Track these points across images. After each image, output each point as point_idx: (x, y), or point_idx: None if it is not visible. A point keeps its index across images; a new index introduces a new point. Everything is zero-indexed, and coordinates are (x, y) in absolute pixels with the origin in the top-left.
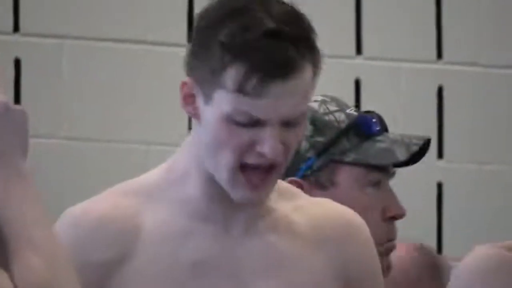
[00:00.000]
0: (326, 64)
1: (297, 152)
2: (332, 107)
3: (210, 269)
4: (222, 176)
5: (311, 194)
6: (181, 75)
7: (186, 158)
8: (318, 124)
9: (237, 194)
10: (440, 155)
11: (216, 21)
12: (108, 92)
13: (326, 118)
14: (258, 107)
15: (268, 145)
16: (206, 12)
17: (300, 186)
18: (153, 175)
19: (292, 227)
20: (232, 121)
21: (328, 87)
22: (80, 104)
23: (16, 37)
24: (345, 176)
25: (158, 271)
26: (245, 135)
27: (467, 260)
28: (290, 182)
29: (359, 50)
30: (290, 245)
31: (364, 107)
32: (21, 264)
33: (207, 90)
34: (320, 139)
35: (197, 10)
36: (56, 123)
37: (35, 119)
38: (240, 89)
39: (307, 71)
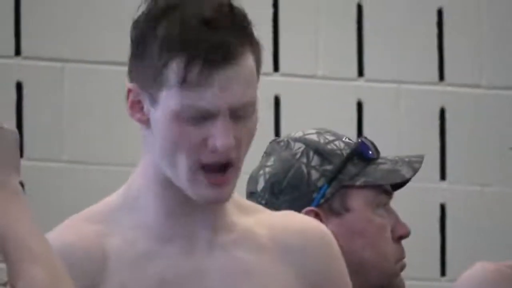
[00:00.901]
0: (328, 86)
1: (308, 183)
2: (330, 137)
3: None
4: (182, 179)
5: (328, 222)
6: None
7: (140, 176)
8: (323, 153)
9: (199, 194)
10: (443, 176)
11: (150, 20)
12: (110, 115)
13: (329, 147)
14: (203, 97)
15: (218, 138)
16: (140, 15)
17: (317, 215)
18: (112, 199)
19: (255, 240)
20: (181, 118)
21: (330, 109)
22: (82, 127)
23: (17, 60)
24: (357, 200)
25: None
26: (196, 133)
27: (466, 273)
28: (307, 213)
29: (360, 72)
30: (255, 258)
31: (367, 129)
32: (24, 276)
33: (152, 92)
34: (328, 167)
35: None
36: (58, 146)
37: (37, 143)
38: (183, 82)
39: (248, 58)
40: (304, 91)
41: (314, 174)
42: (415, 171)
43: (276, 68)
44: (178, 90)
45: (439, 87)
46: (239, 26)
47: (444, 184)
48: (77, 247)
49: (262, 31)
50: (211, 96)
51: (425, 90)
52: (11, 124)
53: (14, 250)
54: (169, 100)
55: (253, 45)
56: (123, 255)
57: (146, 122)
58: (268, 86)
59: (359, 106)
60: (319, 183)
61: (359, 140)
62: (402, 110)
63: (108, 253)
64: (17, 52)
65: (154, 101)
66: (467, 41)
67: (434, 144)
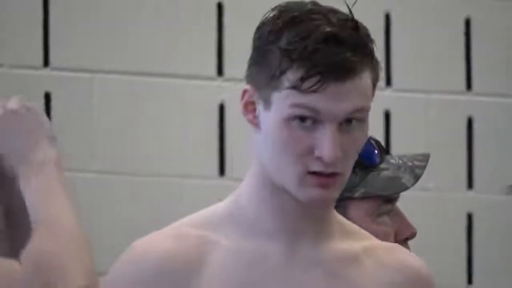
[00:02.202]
0: None
1: None
2: None
3: None
4: (289, 182)
5: None
6: (213, 109)
7: (249, 183)
8: None
9: (306, 194)
10: (470, 185)
11: (275, 29)
12: (139, 126)
13: None
14: (314, 99)
15: (326, 149)
16: (265, 21)
17: None
18: (221, 206)
19: (360, 266)
20: (291, 122)
21: None
22: (111, 138)
23: (46, 71)
24: (358, 211)
25: None
26: (305, 139)
27: None
28: None
29: (388, 82)
30: (355, 281)
31: (394, 139)
32: (32, 241)
33: (266, 95)
34: None
35: (227, 44)
36: (87, 157)
37: (66, 153)
38: (298, 87)
39: (365, 76)
40: None
41: None
42: (416, 179)
43: None
44: (291, 92)
45: (467, 97)
46: (361, 43)
47: (471, 193)
48: (173, 254)
49: None
50: (322, 99)
51: (453, 99)
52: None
53: (34, 217)
54: (281, 102)
55: (373, 62)
56: (226, 263)
57: (257, 124)
58: None
59: (387, 116)
60: None
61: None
62: (429, 119)
63: (209, 260)
64: (46, 63)
65: (267, 103)
66: (494, 51)
67: (462, 154)
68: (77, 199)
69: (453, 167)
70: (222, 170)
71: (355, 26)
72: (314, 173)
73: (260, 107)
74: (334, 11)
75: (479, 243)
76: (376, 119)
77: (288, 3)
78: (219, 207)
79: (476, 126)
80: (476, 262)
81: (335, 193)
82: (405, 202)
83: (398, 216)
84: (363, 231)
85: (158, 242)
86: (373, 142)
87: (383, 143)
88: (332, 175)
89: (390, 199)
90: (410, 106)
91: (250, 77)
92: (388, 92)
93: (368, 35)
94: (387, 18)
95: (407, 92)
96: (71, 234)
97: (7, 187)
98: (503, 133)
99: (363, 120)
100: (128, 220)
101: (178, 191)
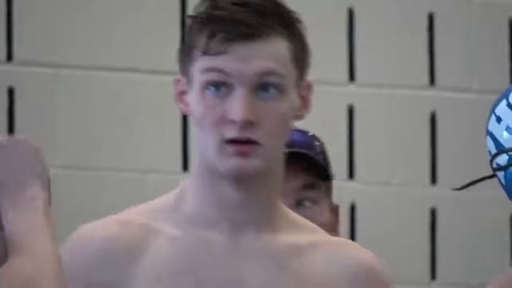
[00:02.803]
0: (319, 91)
1: None
2: None
3: (214, 285)
4: (211, 153)
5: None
6: (176, 104)
7: (192, 175)
8: None
9: (225, 164)
10: (433, 180)
11: (193, 15)
12: (103, 121)
13: None
14: (223, 61)
15: (236, 109)
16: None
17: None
18: (165, 198)
19: (305, 259)
20: (205, 88)
21: (321, 113)
22: (74, 133)
23: (9, 66)
24: None
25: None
26: (220, 106)
27: (497, 278)
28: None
29: (352, 77)
30: (299, 274)
31: (357, 134)
32: (10, 264)
33: (187, 73)
34: None
35: None
36: (50, 152)
37: None
38: (206, 51)
39: (277, 42)
40: None
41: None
42: None
43: None
44: (203, 58)
45: (430, 92)
46: (272, 10)
47: (434, 188)
48: (116, 237)
49: None
50: (230, 60)
51: (416, 94)
52: (3, 131)
53: (13, 244)
54: (196, 71)
55: (290, 34)
56: (166, 251)
57: (188, 110)
58: None
59: (350, 111)
60: None
61: None
62: (393, 114)
63: (149, 248)
64: (9, 57)
65: (189, 81)
66: (457, 46)
67: (425, 148)
68: None
69: (417, 162)
70: (185, 165)
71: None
72: (231, 142)
73: (188, 91)
74: None
75: (443, 239)
76: (339, 114)
77: None
78: (165, 198)
79: (439, 121)
80: (440, 257)
81: (257, 164)
82: (368, 197)
83: None
84: (311, 225)
85: (101, 227)
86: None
87: (346, 138)
88: (249, 143)
89: None
90: (374, 101)
91: (179, 68)
92: (351, 87)
93: (283, 5)
94: (350, 13)
95: (370, 87)
96: (48, 258)
97: None
98: (467, 128)
99: (282, 90)
100: (90, 214)
101: (141, 186)
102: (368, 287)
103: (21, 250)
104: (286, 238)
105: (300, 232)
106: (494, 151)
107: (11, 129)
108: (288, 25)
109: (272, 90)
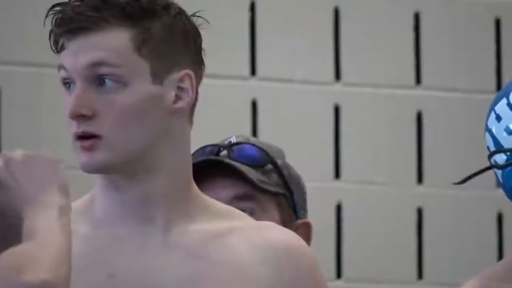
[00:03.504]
0: (305, 90)
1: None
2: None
3: (125, 280)
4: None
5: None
6: None
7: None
8: None
9: (78, 160)
10: (420, 180)
11: None
12: None
13: None
14: (62, 56)
15: (70, 103)
16: None
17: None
18: (82, 198)
19: (223, 245)
20: (64, 90)
21: (308, 112)
22: (61, 132)
23: None
24: None
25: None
26: (69, 103)
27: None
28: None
29: (338, 76)
30: (219, 260)
31: (344, 133)
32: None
33: None
34: None
35: None
36: (36, 151)
37: (15, 147)
38: (55, 48)
39: (111, 32)
40: (281, 95)
41: None
42: None
43: (253, 72)
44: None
45: (416, 91)
46: (109, 3)
47: (421, 188)
48: None
49: (239, 35)
50: (66, 56)
51: (402, 93)
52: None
53: (25, 233)
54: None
55: (131, 21)
56: (75, 249)
57: None
58: (245, 90)
59: (337, 110)
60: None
61: None
62: (379, 114)
63: None
64: None
65: None
66: (443, 45)
67: (411, 148)
68: None
69: (403, 162)
70: None
71: None
72: (78, 138)
73: None
74: None
75: (429, 238)
76: (326, 113)
77: None
78: (82, 199)
79: (425, 120)
80: (426, 257)
81: (101, 157)
82: (353, 196)
83: None
84: (235, 212)
85: None
86: None
87: (332, 137)
88: (89, 137)
89: None
90: (360, 100)
91: None
92: (337, 87)
93: (137, 0)
94: (336, 12)
95: (357, 87)
96: (57, 248)
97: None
98: (453, 128)
99: (121, 81)
100: None
101: None
102: (289, 267)
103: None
104: (202, 227)
105: (220, 220)
106: (492, 148)
107: None
108: (131, 15)
109: (108, 82)
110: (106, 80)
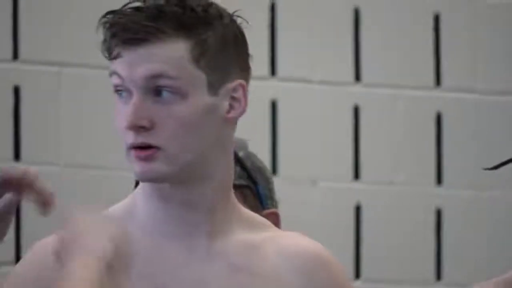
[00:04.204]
0: (325, 91)
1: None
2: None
3: None
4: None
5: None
6: None
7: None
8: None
9: (134, 169)
10: (439, 181)
11: None
12: (108, 119)
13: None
14: (117, 65)
15: (127, 114)
16: None
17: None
18: (120, 206)
19: (260, 256)
20: (113, 89)
21: (327, 113)
22: (79, 131)
23: (15, 64)
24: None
25: None
26: (123, 111)
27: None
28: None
29: (357, 77)
30: (257, 271)
31: (363, 134)
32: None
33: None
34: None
35: None
36: (55, 151)
37: (34, 147)
38: (108, 55)
39: (169, 43)
40: (301, 96)
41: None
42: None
43: (273, 72)
44: (110, 63)
45: (436, 92)
46: (168, 12)
47: (440, 189)
48: None
49: (259, 35)
50: (122, 66)
51: (422, 95)
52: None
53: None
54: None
55: (188, 32)
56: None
57: None
58: (265, 90)
59: (356, 111)
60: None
61: None
62: (398, 115)
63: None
64: (15, 56)
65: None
66: (463, 46)
67: (431, 149)
68: None
69: (422, 163)
70: None
71: (178, 2)
72: (133, 148)
73: None
74: None
75: (448, 239)
76: (345, 114)
77: None
78: (120, 206)
79: (445, 121)
80: (445, 258)
81: (159, 168)
82: (372, 196)
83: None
84: (265, 221)
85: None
86: None
87: (352, 138)
88: (147, 148)
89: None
90: (379, 101)
91: None
92: (357, 87)
93: (192, 7)
94: (356, 13)
95: (376, 87)
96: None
97: None
98: (472, 129)
99: (180, 93)
100: None
101: None
102: (317, 274)
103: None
104: (240, 237)
105: (254, 230)
106: None
107: (16, 127)
108: (187, 25)
109: (166, 94)
110: (164, 92)
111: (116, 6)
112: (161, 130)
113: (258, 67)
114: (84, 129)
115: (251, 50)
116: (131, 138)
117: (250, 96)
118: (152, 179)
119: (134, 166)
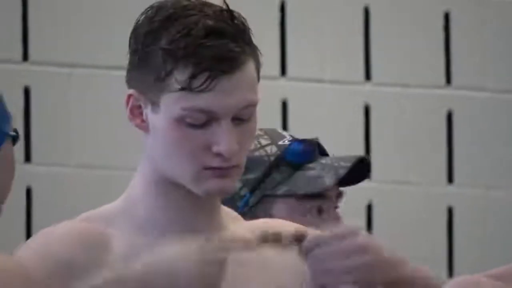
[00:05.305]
0: (335, 90)
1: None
2: (264, 141)
3: None
4: (186, 178)
5: None
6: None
7: (140, 181)
8: (247, 161)
9: (204, 187)
10: (450, 179)
11: (153, 29)
12: (117, 120)
13: (257, 153)
14: (206, 100)
15: (223, 142)
16: (140, 22)
17: None
18: (113, 204)
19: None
20: (183, 122)
21: (337, 112)
22: (89, 132)
23: (25, 65)
24: (280, 208)
25: None
26: (200, 137)
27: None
28: None
29: (368, 76)
30: (260, 262)
31: (374, 132)
32: None
33: (153, 97)
34: (251, 176)
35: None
36: (66, 151)
37: (44, 147)
38: (187, 87)
39: (249, 64)
40: (311, 95)
41: (238, 183)
42: (338, 178)
43: (283, 72)
44: (181, 94)
45: (446, 91)
46: (241, 33)
47: (451, 188)
48: (79, 230)
49: (269, 35)
50: (214, 99)
51: (432, 93)
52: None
53: None
54: (170, 104)
55: (253, 50)
56: (126, 257)
57: (145, 127)
58: (275, 90)
59: (366, 109)
60: (242, 192)
61: (288, 144)
62: (409, 113)
63: (111, 247)
64: (25, 57)
65: (155, 106)
66: (473, 45)
67: (442, 148)
68: (54, 194)
69: (433, 161)
70: None
71: (231, 16)
72: (211, 168)
73: (147, 110)
74: (208, 4)
75: (460, 238)
76: (356, 113)
77: (161, 1)
78: (113, 205)
79: (455, 120)
80: (457, 256)
81: (234, 183)
82: (383, 195)
83: (327, 215)
84: (234, 213)
85: (62, 226)
86: (307, 142)
87: (362, 137)
88: (231, 168)
89: (316, 196)
90: (390, 100)
91: (133, 82)
92: (367, 87)
93: (244, 23)
94: (366, 12)
95: (387, 86)
96: None
97: None
98: (483, 127)
99: (254, 113)
100: None
101: None
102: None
103: None
104: (236, 232)
105: (236, 223)
106: None
107: (27, 128)
108: (250, 42)
109: (248, 117)
110: (247, 115)
111: (126, 8)
112: (243, 150)
113: (268, 67)
114: (94, 130)
115: (261, 50)
116: (218, 161)
117: (260, 96)
118: (226, 194)
119: (206, 183)
